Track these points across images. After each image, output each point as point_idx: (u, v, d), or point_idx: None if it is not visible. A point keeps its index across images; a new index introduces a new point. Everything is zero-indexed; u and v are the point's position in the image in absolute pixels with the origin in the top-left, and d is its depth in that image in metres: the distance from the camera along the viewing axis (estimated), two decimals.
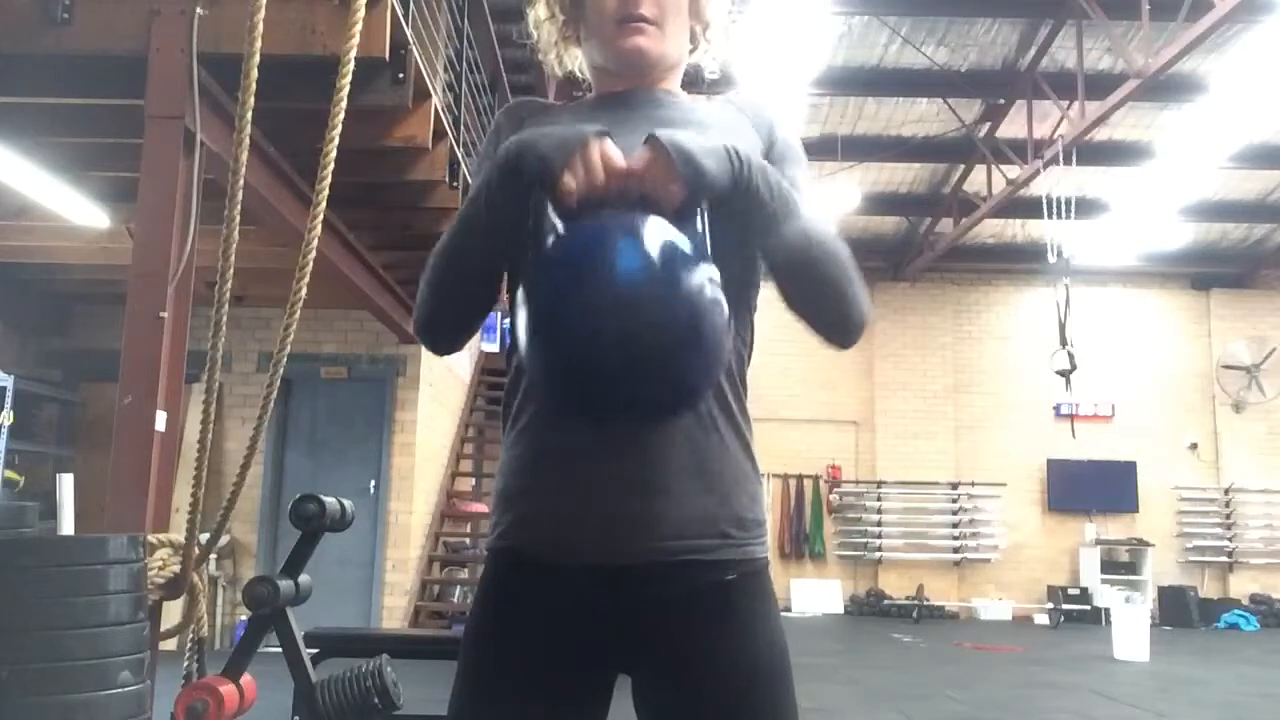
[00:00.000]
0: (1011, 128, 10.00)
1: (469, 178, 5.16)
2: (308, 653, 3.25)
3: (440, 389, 8.88)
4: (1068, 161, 9.19)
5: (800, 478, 13.16)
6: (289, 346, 2.70)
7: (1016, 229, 12.64)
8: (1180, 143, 10.15)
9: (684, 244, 1.09)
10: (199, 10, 3.72)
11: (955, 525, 12.97)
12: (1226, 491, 12.99)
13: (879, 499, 13.07)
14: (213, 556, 6.42)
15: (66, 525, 3.68)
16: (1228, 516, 12.94)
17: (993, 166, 10.56)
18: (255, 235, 5.53)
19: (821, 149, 10.56)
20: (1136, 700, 6.48)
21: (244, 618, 4.32)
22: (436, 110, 4.97)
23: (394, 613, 8.02)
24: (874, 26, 8.85)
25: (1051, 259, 9.88)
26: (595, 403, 1.09)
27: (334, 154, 2.43)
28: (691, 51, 1.44)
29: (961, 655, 8.94)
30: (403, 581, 8.11)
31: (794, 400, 12.39)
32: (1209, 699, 6.66)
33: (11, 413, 7.27)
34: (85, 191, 5.57)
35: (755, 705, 1.20)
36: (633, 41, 1.32)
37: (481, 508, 8.93)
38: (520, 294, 1.12)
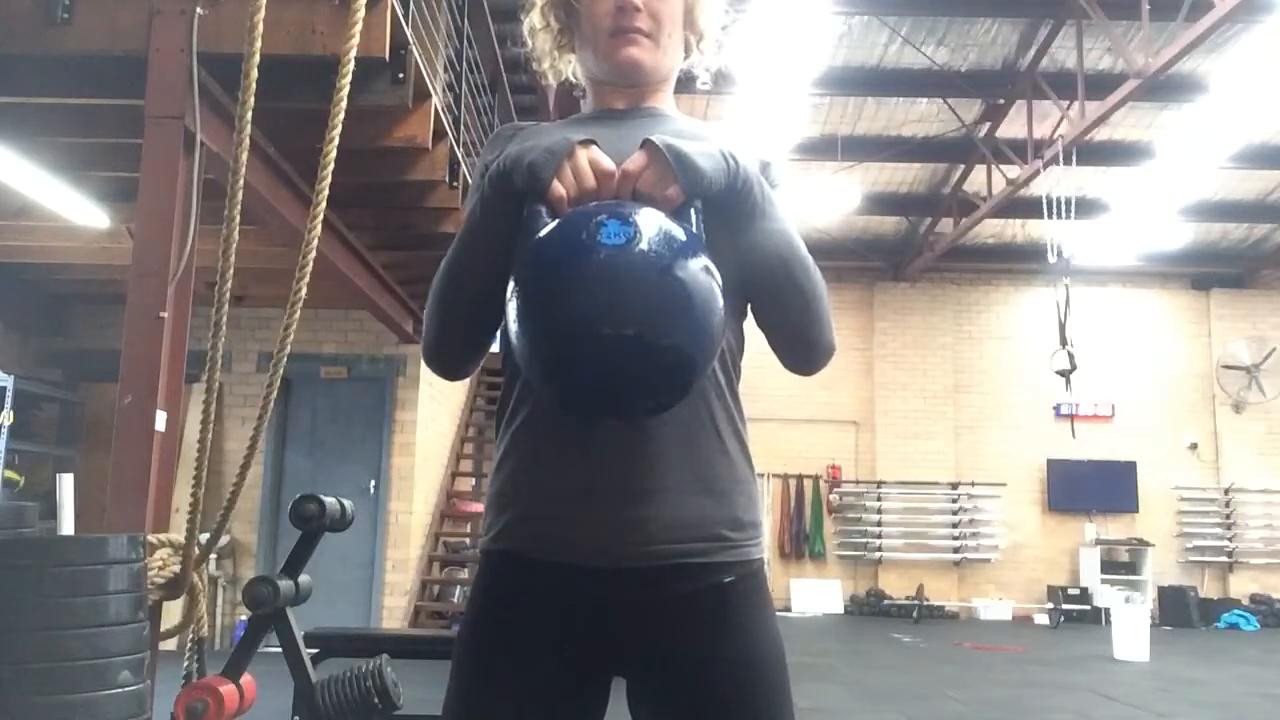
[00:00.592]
0: (1011, 128, 10.00)
1: (469, 178, 5.17)
2: (308, 653, 3.25)
3: (440, 389, 8.88)
4: (1068, 161, 9.19)
5: (800, 478, 13.16)
6: (289, 346, 2.70)
7: (1016, 229, 12.64)
8: (1180, 143, 10.14)
9: (676, 229, 1.09)
10: (199, 10, 3.72)
11: (955, 525, 12.97)
12: (1226, 491, 12.98)
13: (879, 499, 13.07)
14: (213, 556, 6.41)
15: (66, 525, 3.68)
16: (1228, 516, 12.94)
17: (993, 166, 10.56)
18: (255, 235, 5.53)
19: (821, 149, 10.57)
20: (1136, 700, 6.48)
21: (244, 618, 4.32)
22: (436, 110, 4.97)
23: (394, 613, 8.03)
24: (874, 26, 8.85)
25: (1051, 259, 9.88)
26: (585, 385, 1.07)
27: (334, 154, 2.43)
28: (685, 59, 1.44)
29: (961, 655, 8.94)
30: (403, 581, 8.12)
31: (794, 400, 12.37)
32: (1209, 699, 6.67)
33: (11, 413, 7.27)
34: (85, 191, 5.57)
35: (752, 707, 1.20)
36: (627, 53, 1.32)
37: (481, 508, 8.92)
38: (510, 287, 1.12)
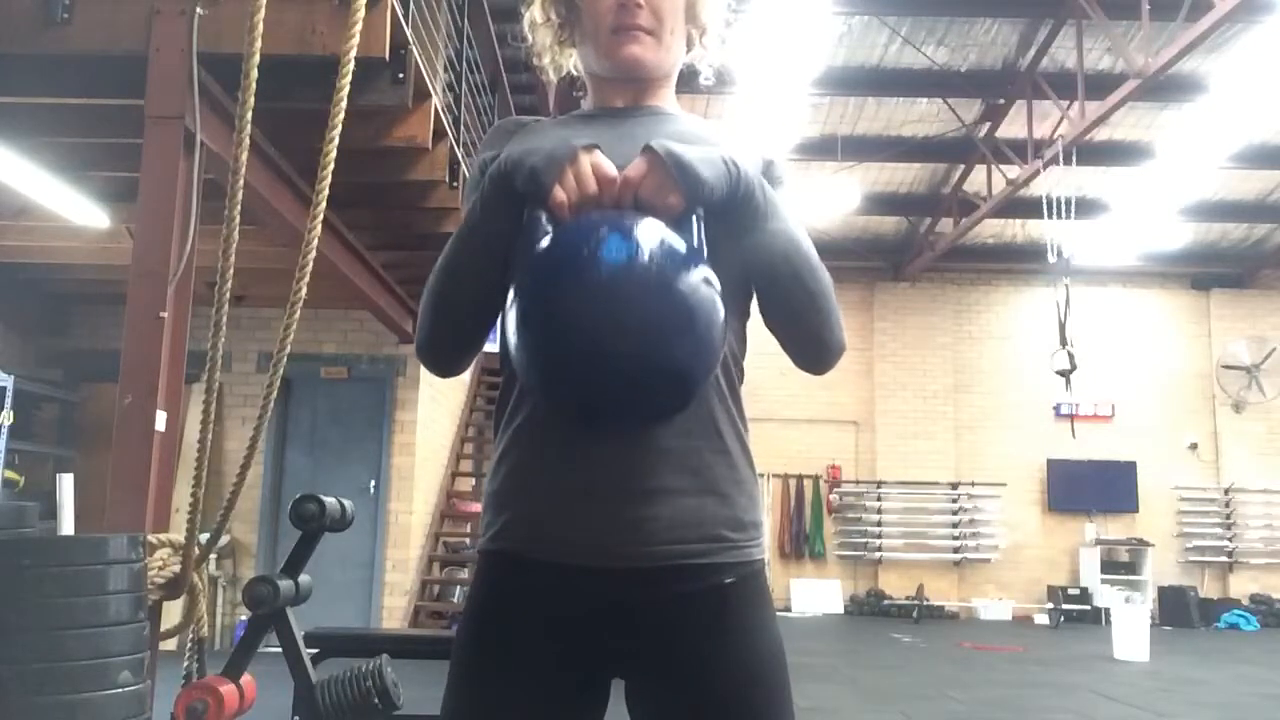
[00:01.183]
0: (1011, 128, 10.00)
1: (469, 176, 5.16)
2: (308, 653, 3.24)
3: (440, 389, 8.88)
4: (1068, 161, 9.19)
5: (800, 478, 13.16)
6: (289, 346, 2.70)
7: (1016, 229, 12.64)
8: (1180, 143, 10.14)
9: (677, 241, 1.08)
10: (199, 10, 3.72)
11: (955, 525, 12.97)
12: (1226, 491, 12.98)
13: (879, 499, 13.07)
14: (213, 556, 6.41)
15: (66, 525, 3.68)
16: (1228, 516, 12.94)
17: (993, 166, 10.56)
18: (255, 235, 5.52)
19: (821, 149, 10.57)
20: (1136, 700, 6.48)
21: (244, 618, 4.32)
22: (436, 110, 4.97)
23: (394, 613, 8.03)
24: (874, 26, 8.85)
25: (1051, 259, 9.88)
26: (587, 395, 1.07)
27: (334, 154, 2.43)
28: (687, 53, 1.43)
29: (961, 655, 8.94)
30: (403, 581, 8.12)
31: (794, 400, 12.38)
32: (1209, 699, 6.66)
33: (11, 413, 7.27)
34: (85, 191, 5.57)
35: (753, 708, 1.19)
36: (629, 50, 1.31)
37: (480, 508, 8.92)
38: (510, 295, 1.11)
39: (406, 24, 4.42)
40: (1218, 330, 13.35)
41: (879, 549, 12.91)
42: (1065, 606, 12.01)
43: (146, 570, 2.92)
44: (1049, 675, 7.70)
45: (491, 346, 1.30)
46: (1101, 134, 9.91)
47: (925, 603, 12.08)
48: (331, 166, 2.44)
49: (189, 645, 3.34)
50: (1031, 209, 10.40)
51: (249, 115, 2.53)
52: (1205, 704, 6.46)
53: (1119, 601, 10.84)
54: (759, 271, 1.24)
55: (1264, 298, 13.46)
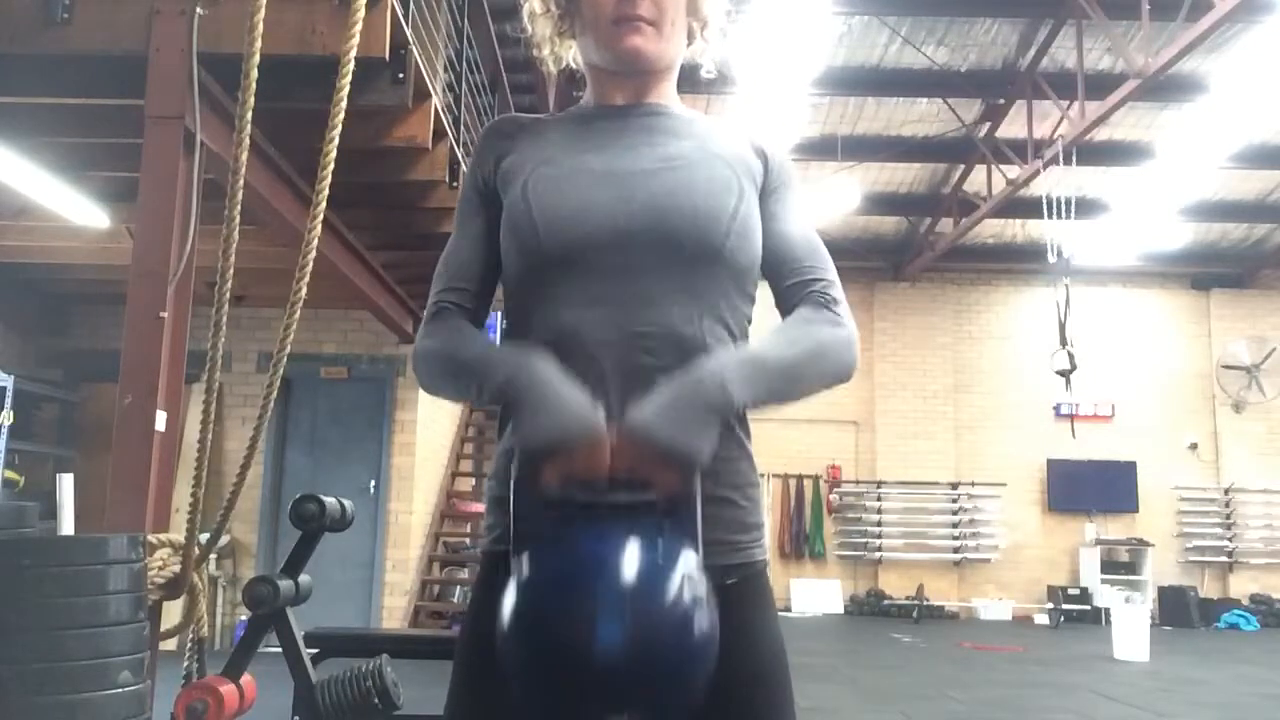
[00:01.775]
0: (1011, 128, 10.01)
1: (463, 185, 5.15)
2: (308, 653, 3.24)
3: None
4: (1068, 161, 9.19)
5: (800, 478, 13.16)
6: (289, 346, 2.69)
7: (1016, 229, 12.64)
8: (1180, 143, 10.14)
9: (660, 565, 1.05)
10: (199, 10, 3.72)
11: (955, 525, 12.97)
12: (1226, 491, 12.99)
13: (879, 499, 13.07)
14: (213, 556, 6.41)
15: (66, 525, 3.68)
16: (1228, 516, 12.94)
17: (993, 166, 10.56)
18: (255, 235, 5.52)
19: (821, 149, 10.57)
20: (1136, 700, 6.48)
21: (244, 618, 4.32)
22: (436, 110, 4.97)
23: (394, 613, 8.03)
24: (874, 26, 8.85)
25: (1051, 259, 9.88)
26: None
27: (334, 154, 2.43)
28: (688, 46, 1.41)
29: (961, 655, 8.94)
30: (403, 581, 8.12)
31: None
32: (1209, 699, 6.67)
33: (11, 413, 7.27)
34: (85, 191, 5.57)
35: (755, 709, 1.20)
36: (630, 42, 1.29)
37: (481, 508, 8.92)
38: (507, 593, 1.08)
39: (406, 24, 4.42)
40: (1218, 330, 13.35)
41: (879, 549, 12.91)
42: (1065, 606, 12.02)
43: (146, 570, 2.92)
44: (1049, 675, 7.70)
45: None
46: (1101, 134, 9.92)
47: (925, 603, 12.09)
48: (331, 166, 2.44)
49: (189, 645, 3.34)
50: (1031, 209, 10.40)
51: (249, 115, 2.52)
52: (1205, 704, 6.46)
53: (1119, 601, 10.84)
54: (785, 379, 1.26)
55: (1264, 298, 13.46)
